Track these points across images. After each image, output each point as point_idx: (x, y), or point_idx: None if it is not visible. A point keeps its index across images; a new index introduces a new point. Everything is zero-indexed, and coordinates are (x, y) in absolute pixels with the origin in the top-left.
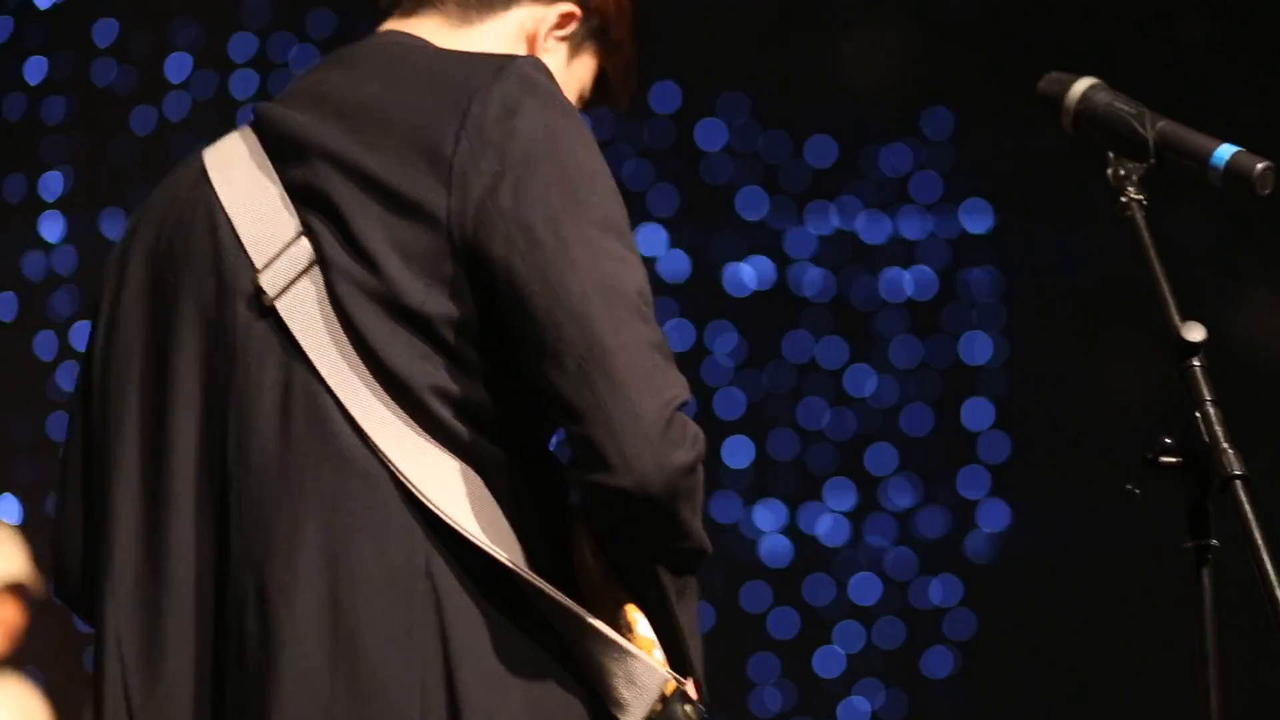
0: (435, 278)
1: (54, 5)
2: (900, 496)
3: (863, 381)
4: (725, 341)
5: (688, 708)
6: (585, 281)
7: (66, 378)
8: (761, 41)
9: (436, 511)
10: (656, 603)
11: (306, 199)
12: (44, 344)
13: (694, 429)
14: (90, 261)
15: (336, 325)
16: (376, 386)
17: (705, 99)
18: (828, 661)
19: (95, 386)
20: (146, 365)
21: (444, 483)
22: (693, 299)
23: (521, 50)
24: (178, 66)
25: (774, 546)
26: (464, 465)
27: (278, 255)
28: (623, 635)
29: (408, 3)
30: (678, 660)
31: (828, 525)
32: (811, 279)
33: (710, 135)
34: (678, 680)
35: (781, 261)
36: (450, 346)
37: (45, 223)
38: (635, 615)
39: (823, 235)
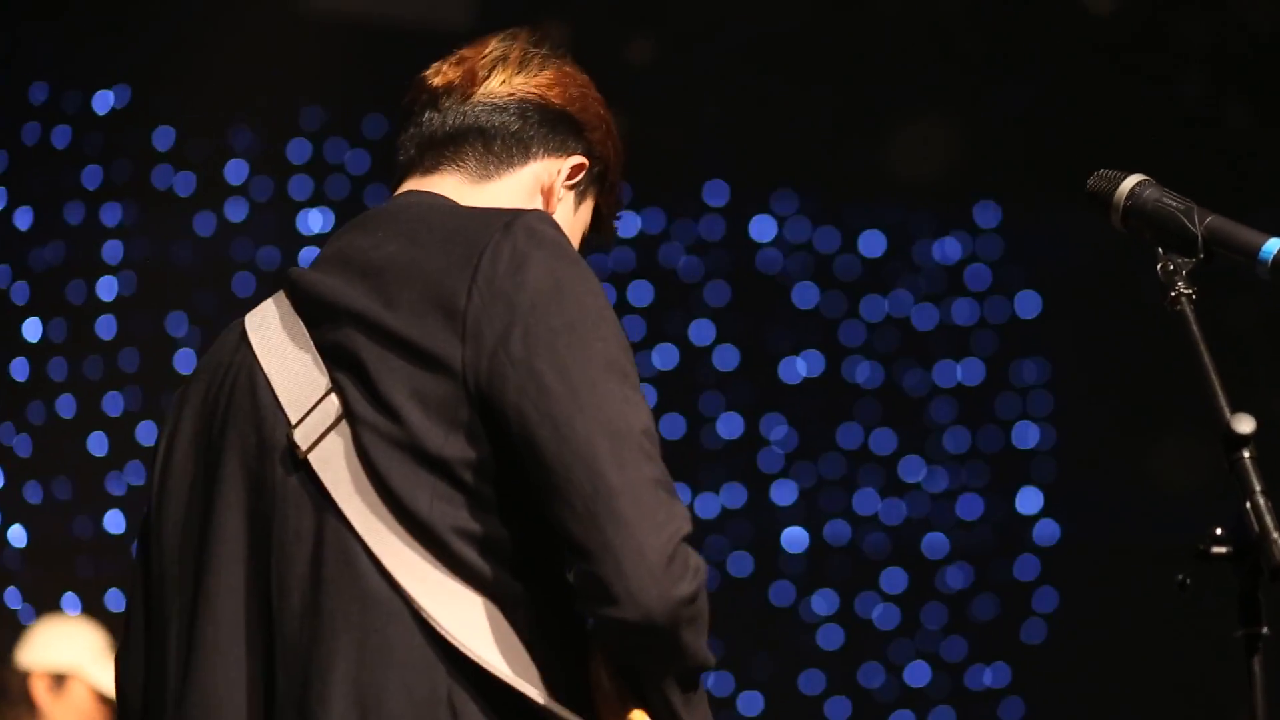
0: (453, 424)
1: (111, 111)
2: (953, 579)
3: (914, 469)
4: (778, 431)
5: None
6: (591, 425)
7: (122, 476)
8: (811, 138)
9: (456, 645)
10: (665, 717)
11: (335, 357)
12: (97, 443)
13: (695, 560)
14: (151, 362)
15: (362, 473)
16: (400, 529)
17: (757, 195)
18: None
19: (152, 539)
20: (196, 519)
21: (465, 617)
22: (744, 390)
23: (538, 202)
24: (236, 171)
25: (828, 633)
26: (484, 599)
27: (309, 411)
28: None
29: (428, 161)
30: None
31: (880, 611)
32: (862, 368)
33: (763, 229)
34: None
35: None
36: (469, 487)
37: (103, 324)
38: None
39: (873, 324)
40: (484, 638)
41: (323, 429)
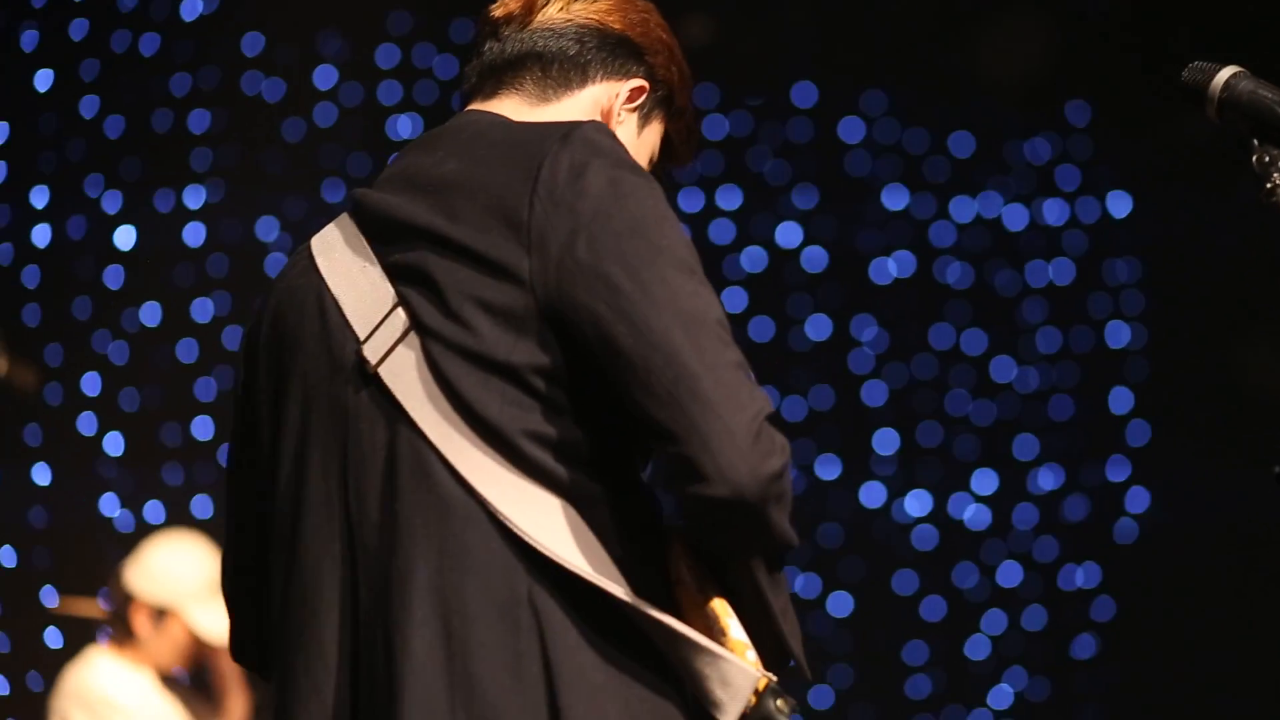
0: (521, 331)
1: (199, 18)
2: (1045, 482)
3: (1005, 370)
4: (869, 333)
5: (779, 702)
6: (666, 317)
7: (209, 383)
8: (900, 38)
9: (535, 545)
10: (751, 597)
11: (401, 273)
12: (186, 349)
13: (781, 439)
14: (240, 268)
15: (433, 383)
16: (472, 435)
17: (845, 96)
18: (976, 647)
19: (236, 466)
20: (277, 442)
21: (541, 518)
22: (833, 292)
23: None
24: (324, 77)
25: (922, 533)
26: (559, 499)
27: (378, 326)
28: (716, 641)
29: (488, 87)
30: (776, 648)
31: (973, 512)
32: (953, 269)
33: (851, 131)
34: (769, 677)
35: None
36: (539, 392)
37: (191, 231)
38: (728, 621)
39: (963, 225)
40: (562, 537)
41: (391, 342)
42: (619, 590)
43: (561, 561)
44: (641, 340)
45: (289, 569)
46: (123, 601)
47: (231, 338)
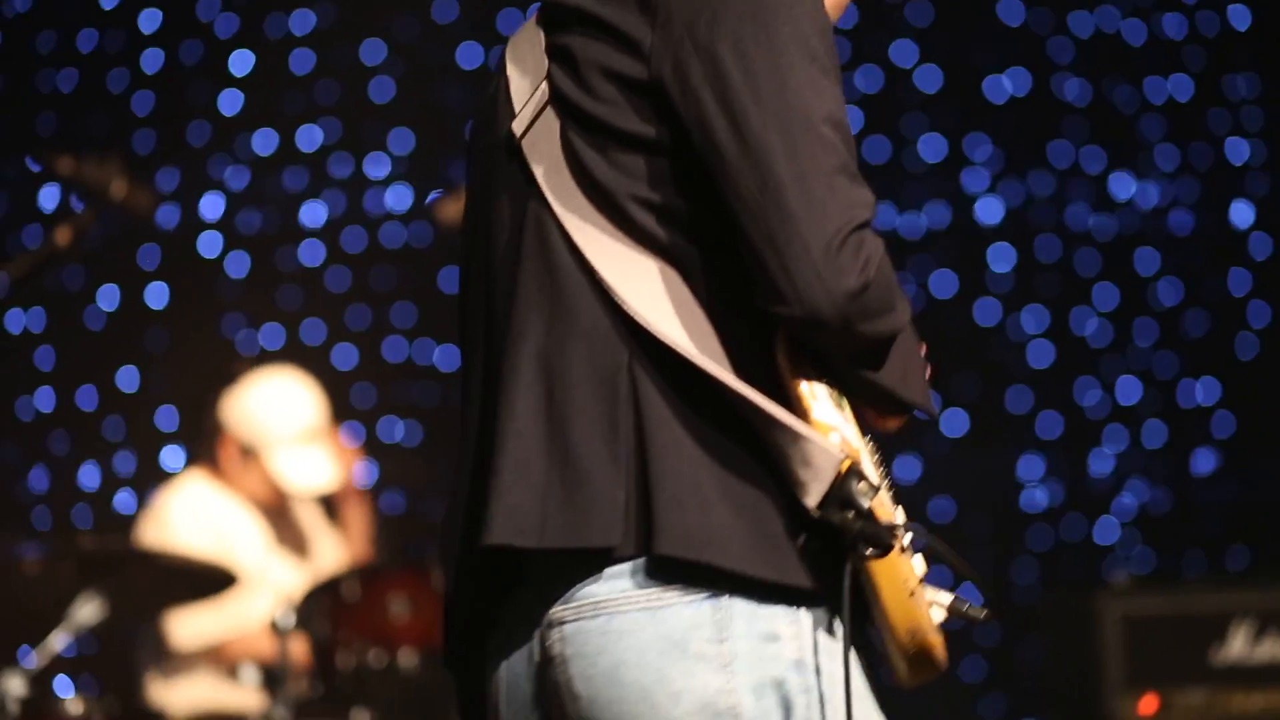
0: (638, 102)
1: None
2: (1165, 298)
3: (1125, 186)
4: (982, 152)
5: (860, 484)
6: (767, 115)
7: (317, 207)
8: None
9: (636, 316)
10: (854, 379)
11: (555, 51)
12: (293, 178)
13: (869, 249)
14: (348, 94)
15: (560, 153)
16: (586, 203)
17: None
18: (1097, 462)
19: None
20: (474, 234)
21: (645, 287)
22: (947, 110)
23: None
24: None
25: (1039, 349)
26: (665, 266)
27: (527, 101)
28: (805, 421)
29: None
30: (893, 403)
31: (1094, 327)
32: (1070, 85)
33: None
34: (851, 458)
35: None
36: (651, 161)
37: (298, 58)
38: (814, 402)
39: (1081, 40)
40: (665, 310)
41: (534, 114)
42: (712, 366)
43: (660, 335)
44: (737, 139)
45: (463, 345)
46: (214, 432)
47: (337, 165)
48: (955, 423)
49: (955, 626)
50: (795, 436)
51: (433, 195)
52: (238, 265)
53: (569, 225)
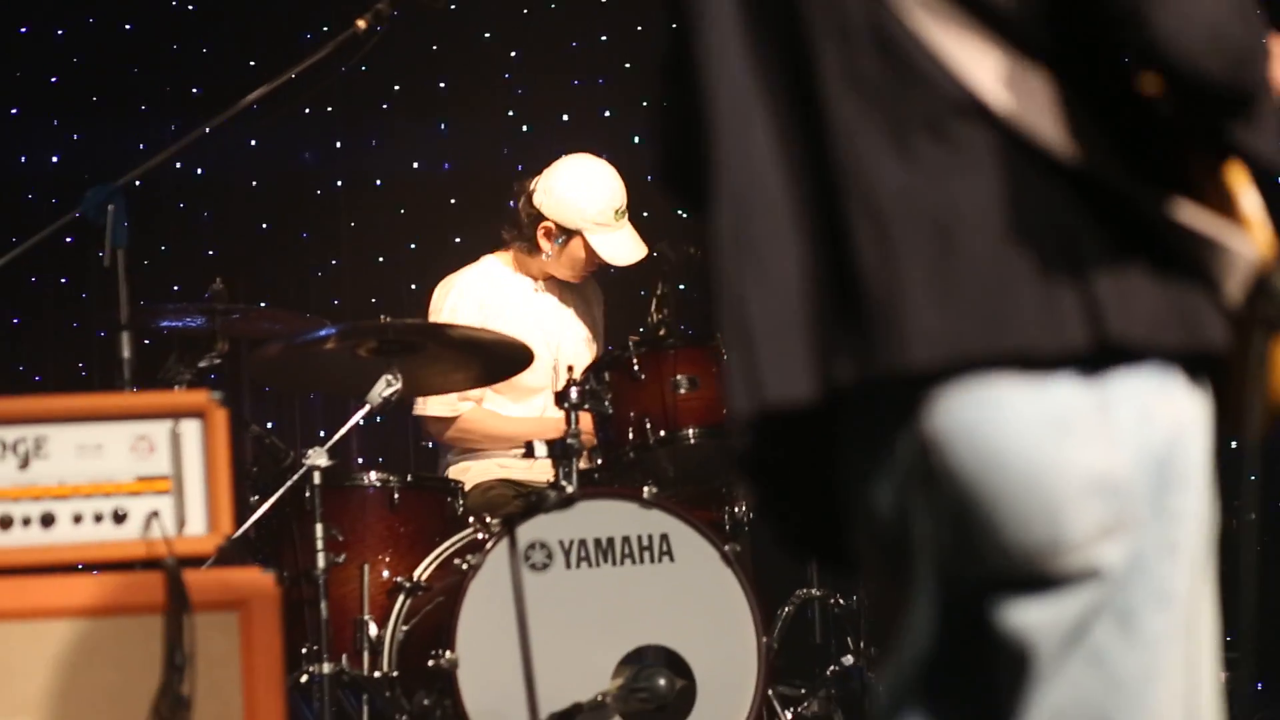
0: None
1: None
2: None
3: None
4: None
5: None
6: None
7: None
8: None
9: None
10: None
11: None
12: None
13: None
14: None
15: None
16: None
17: None
18: None
19: None
20: None
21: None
22: None
23: None
24: None
25: None
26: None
27: None
28: (1226, 214)
29: None
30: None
31: None
32: None
33: None
34: (1275, 257)
35: None
36: None
37: None
38: (1241, 189)
39: None
40: (1030, 103)
41: None
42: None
43: (1028, 130)
44: None
45: None
46: (531, 216)
47: None
48: None
49: None
50: (1213, 230)
51: None
52: None
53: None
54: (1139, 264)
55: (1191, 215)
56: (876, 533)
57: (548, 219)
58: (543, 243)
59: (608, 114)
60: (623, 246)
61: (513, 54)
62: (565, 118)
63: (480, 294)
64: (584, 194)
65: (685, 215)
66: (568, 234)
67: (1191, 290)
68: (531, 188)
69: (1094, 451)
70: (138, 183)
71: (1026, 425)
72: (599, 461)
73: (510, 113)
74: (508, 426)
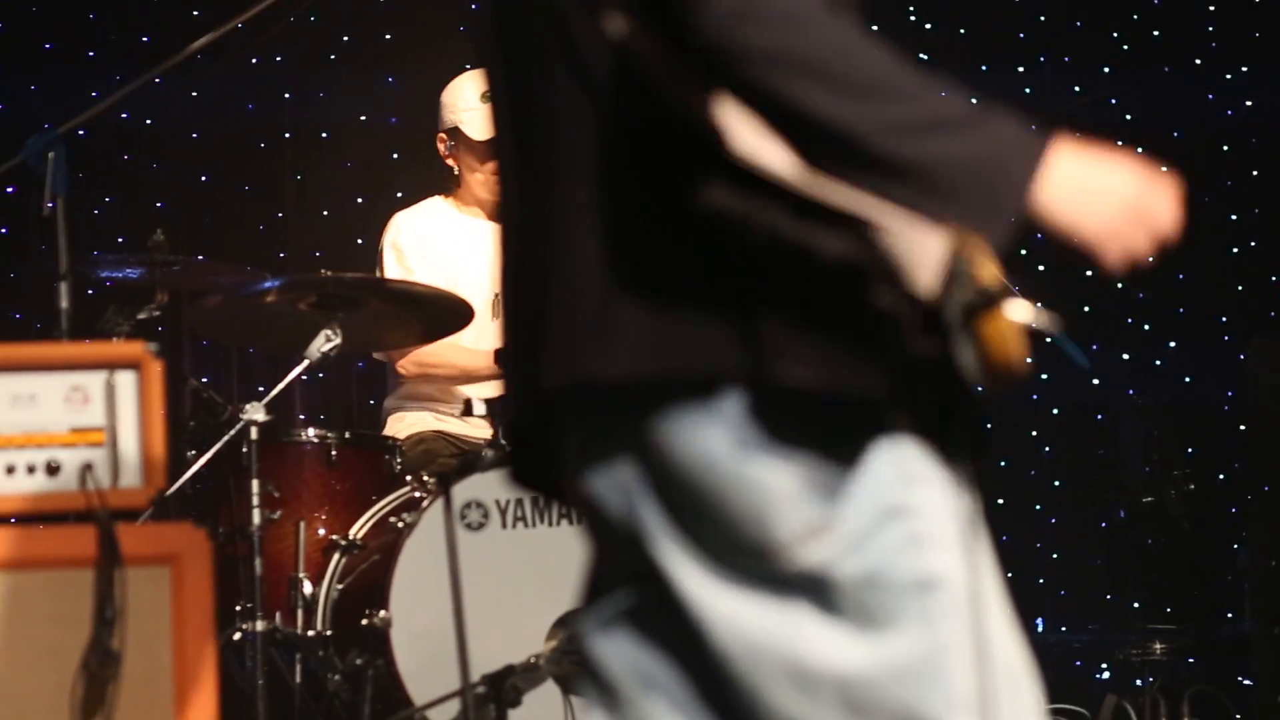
0: None
1: None
2: None
3: None
4: None
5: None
6: None
7: None
8: None
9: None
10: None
11: None
12: None
13: None
14: None
15: None
16: None
17: None
18: None
19: None
20: None
21: None
22: None
23: None
24: None
25: None
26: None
27: None
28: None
29: None
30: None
31: None
32: None
33: None
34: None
35: None
36: None
37: None
38: None
39: None
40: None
41: None
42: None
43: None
44: None
45: None
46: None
47: None
48: None
49: None
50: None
51: None
52: None
53: None
54: (808, 306)
55: (870, 210)
56: (597, 513)
57: (440, 133)
58: (450, 163)
59: None
60: (489, 121)
61: (471, 5)
62: None
63: (423, 229)
64: (452, 90)
65: None
66: (455, 137)
67: (858, 339)
68: None
69: (786, 469)
70: (84, 133)
71: (717, 443)
72: None
73: (466, 67)
74: (467, 358)
